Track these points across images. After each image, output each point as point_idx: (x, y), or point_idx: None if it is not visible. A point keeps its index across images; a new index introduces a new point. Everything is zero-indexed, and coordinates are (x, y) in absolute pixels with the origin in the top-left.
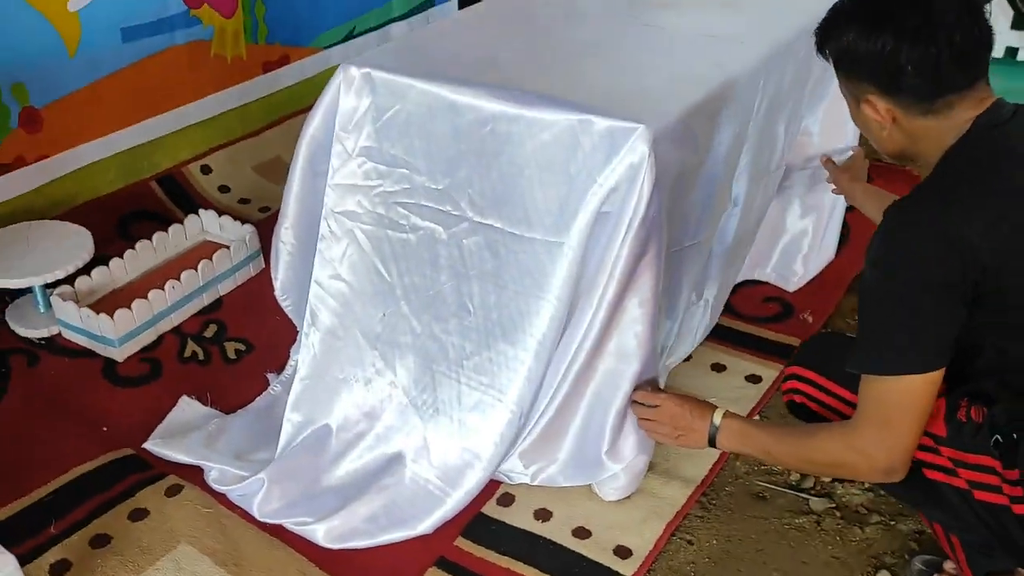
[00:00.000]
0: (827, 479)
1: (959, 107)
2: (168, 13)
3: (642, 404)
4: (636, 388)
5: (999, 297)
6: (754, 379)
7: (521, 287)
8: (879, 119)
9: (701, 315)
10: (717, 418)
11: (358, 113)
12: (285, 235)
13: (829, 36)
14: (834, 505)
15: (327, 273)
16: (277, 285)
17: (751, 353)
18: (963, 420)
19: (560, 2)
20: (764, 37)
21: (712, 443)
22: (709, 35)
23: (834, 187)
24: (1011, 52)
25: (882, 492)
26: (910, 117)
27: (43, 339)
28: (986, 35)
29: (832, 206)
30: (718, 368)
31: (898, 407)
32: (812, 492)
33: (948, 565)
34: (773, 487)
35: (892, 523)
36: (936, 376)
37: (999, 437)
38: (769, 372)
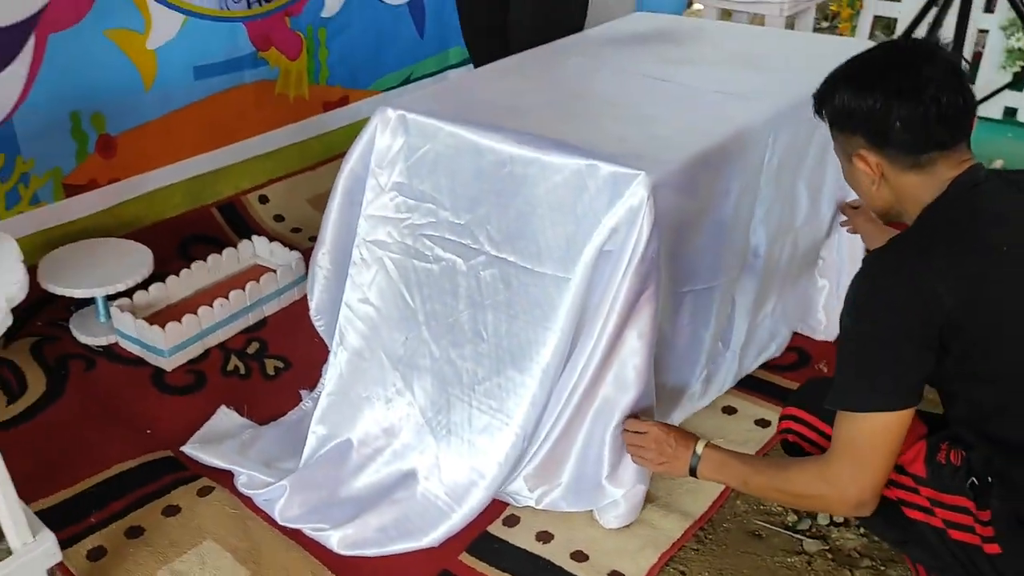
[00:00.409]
0: (823, 522)
1: (942, 165)
2: (238, 54)
3: (631, 431)
4: (627, 417)
5: (971, 350)
6: (763, 423)
7: (530, 317)
8: (869, 172)
9: (729, 365)
10: (699, 448)
11: (392, 151)
12: (322, 260)
13: (825, 98)
14: (828, 548)
15: (357, 297)
16: (312, 306)
17: (762, 398)
18: (943, 462)
19: (587, 57)
20: (774, 95)
21: (693, 472)
22: (722, 92)
23: (849, 228)
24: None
25: (875, 539)
26: (897, 171)
27: (101, 346)
28: (969, 101)
29: (849, 258)
30: (729, 411)
31: (870, 443)
32: (807, 534)
33: None
34: (770, 527)
35: (883, 568)
36: (907, 415)
37: (975, 479)
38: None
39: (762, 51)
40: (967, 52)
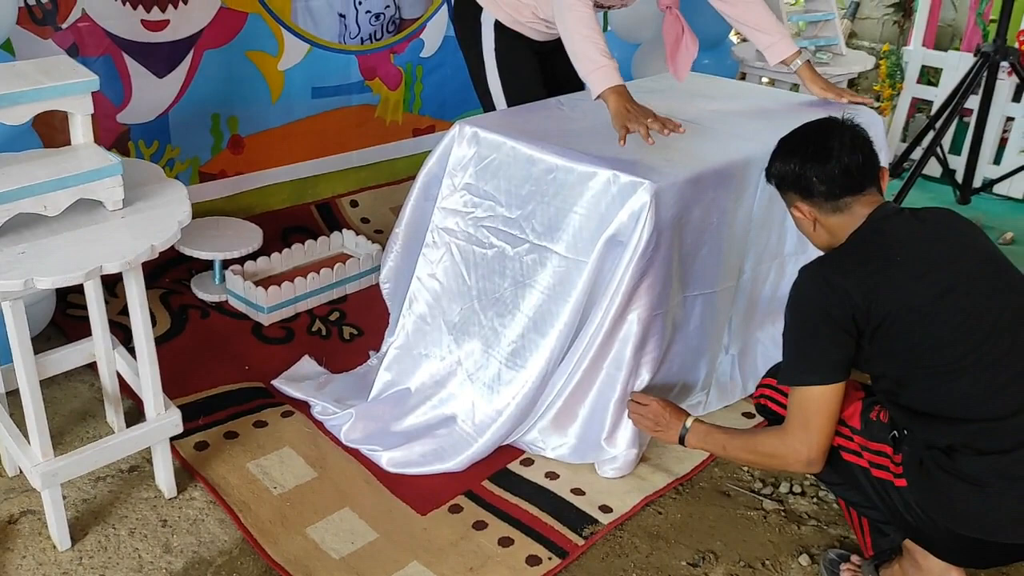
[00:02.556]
0: (784, 491)
1: (856, 206)
2: (348, 81)
3: (636, 402)
4: (633, 392)
5: (877, 336)
6: (749, 416)
7: (555, 293)
8: (806, 219)
9: (729, 367)
10: (688, 422)
11: (465, 158)
12: (396, 236)
13: (769, 170)
14: (783, 509)
15: (427, 272)
16: (383, 272)
17: (751, 398)
18: (873, 419)
19: None
20: (771, 139)
21: (682, 440)
22: (730, 133)
23: None
24: None
25: (824, 505)
26: (824, 215)
27: (215, 302)
28: (870, 158)
29: None
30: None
31: (813, 411)
32: (769, 498)
33: (854, 558)
34: (738, 489)
35: (825, 527)
36: (839, 388)
37: (896, 433)
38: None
39: (775, 107)
40: (994, 137)
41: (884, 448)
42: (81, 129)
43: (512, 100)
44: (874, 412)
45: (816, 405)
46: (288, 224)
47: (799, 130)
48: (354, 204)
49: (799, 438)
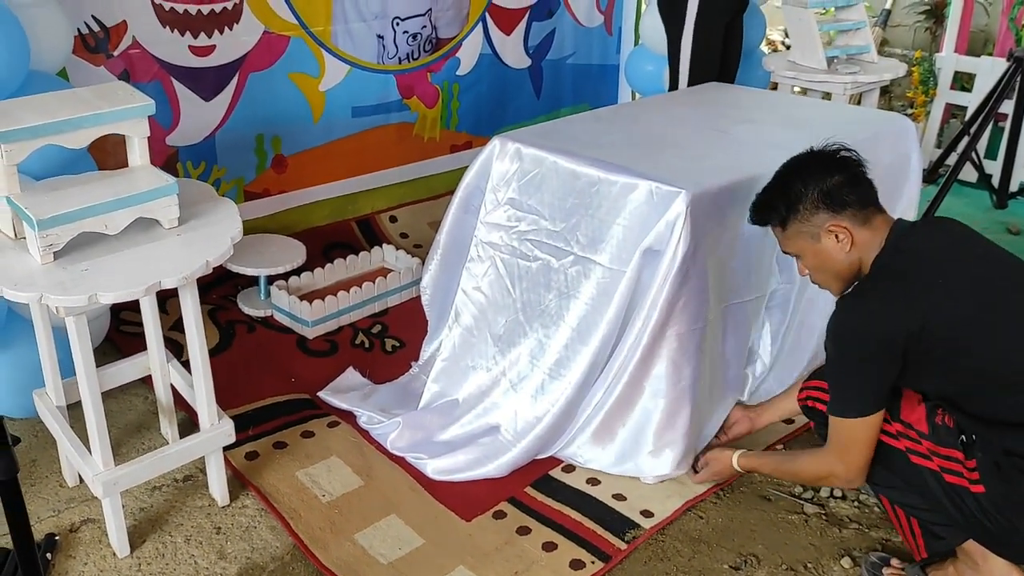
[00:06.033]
0: (824, 495)
1: (878, 221)
2: (387, 100)
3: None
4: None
5: (936, 360)
6: (788, 422)
7: (598, 304)
8: (843, 238)
9: (765, 375)
10: (736, 455)
11: (508, 174)
12: (439, 243)
13: (773, 205)
14: (824, 513)
15: (471, 285)
16: (424, 278)
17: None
18: (939, 423)
19: (663, 112)
20: (802, 146)
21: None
22: (763, 142)
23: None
24: None
25: (864, 509)
26: (856, 228)
27: (260, 317)
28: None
29: None
30: None
31: (853, 439)
32: (810, 502)
33: (895, 561)
34: (779, 493)
35: (867, 531)
36: (877, 417)
37: (964, 438)
38: (801, 419)
39: (807, 116)
40: None
41: (955, 453)
42: (138, 151)
43: (693, 79)
44: (939, 416)
45: (856, 434)
46: (330, 240)
47: (801, 157)
48: (393, 219)
49: (840, 461)
